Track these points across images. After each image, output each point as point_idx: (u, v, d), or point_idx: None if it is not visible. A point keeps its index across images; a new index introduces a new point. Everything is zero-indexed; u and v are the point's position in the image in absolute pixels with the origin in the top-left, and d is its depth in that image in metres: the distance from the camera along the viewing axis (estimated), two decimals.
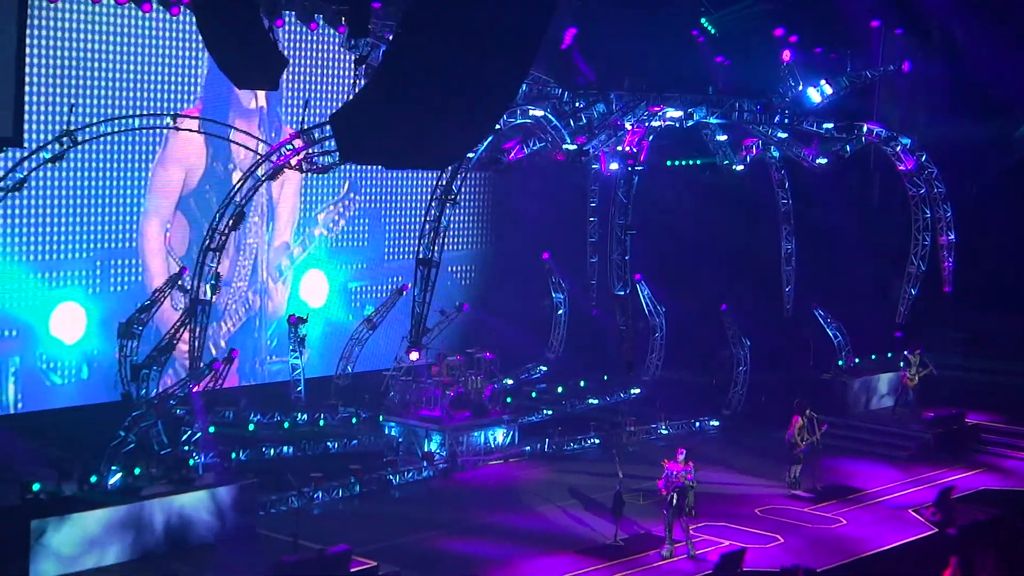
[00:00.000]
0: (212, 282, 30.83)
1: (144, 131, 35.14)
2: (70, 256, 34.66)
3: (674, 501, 28.32)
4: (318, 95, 39.00)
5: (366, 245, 41.68)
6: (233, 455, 31.49)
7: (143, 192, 36.04)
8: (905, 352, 40.93)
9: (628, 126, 36.12)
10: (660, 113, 36.58)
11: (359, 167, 39.49)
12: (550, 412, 38.44)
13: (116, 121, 32.73)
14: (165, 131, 35.74)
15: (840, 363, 41.58)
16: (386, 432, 35.48)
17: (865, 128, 40.94)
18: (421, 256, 33.30)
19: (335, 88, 39.51)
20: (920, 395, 40.92)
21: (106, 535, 25.81)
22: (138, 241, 36.00)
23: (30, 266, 33.81)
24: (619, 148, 36.27)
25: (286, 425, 34.63)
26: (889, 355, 42.17)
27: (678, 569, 27.80)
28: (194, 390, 29.29)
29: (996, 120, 45.24)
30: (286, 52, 29.86)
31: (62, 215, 34.43)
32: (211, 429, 30.55)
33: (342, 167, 34.79)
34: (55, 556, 25.04)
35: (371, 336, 38.10)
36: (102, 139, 33.44)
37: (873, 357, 42.74)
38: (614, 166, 36.57)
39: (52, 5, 33.26)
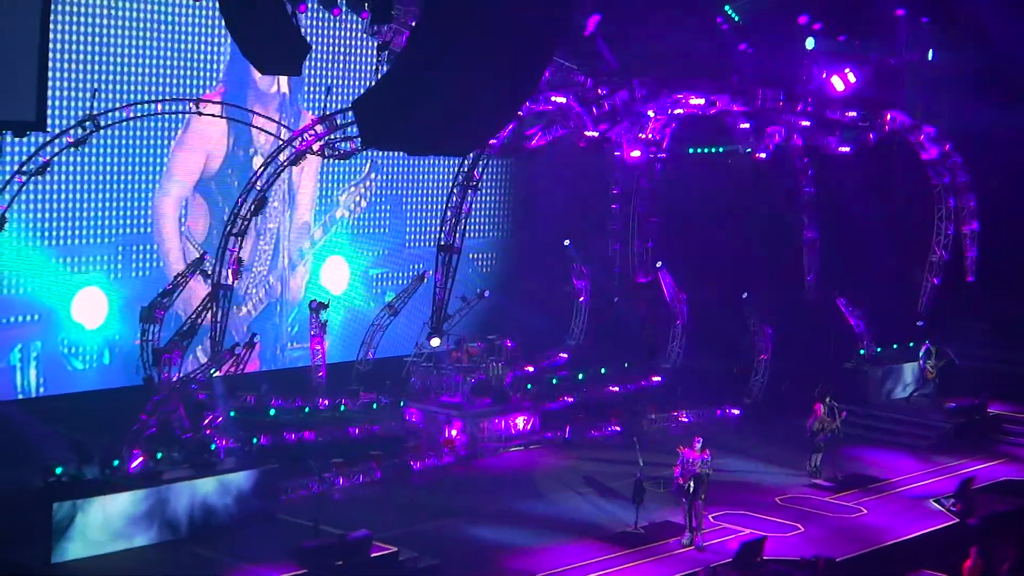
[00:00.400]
0: (234, 267, 30.87)
1: (166, 117, 35.19)
2: (92, 241, 34.72)
3: (690, 489, 28.27)
4: (341, 81, 38.98)
5: (387, 231, 41.69)
6: (254, 440, 31.48)
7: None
8: (926, 344, 40.87)
9: (651, 113, 36.07)
10: (683, 101, 36.50)
11: (382, 152, 39.44)
12: (571, 399, 38.42)
13: (139, 106, 32.71)
14: (187, 116, 35.75)
15: (862, 352, 41.49)
16: (407, 418, 35.50)
17: (889, 117, 40.80)
18: (442, 242, 33.29)
19: (358, 74, 39.48)
20: (942, 385, 40.89)
21: (127, 519, 25.92)
22: (154, 223, 35.96)
23: (52, 251, 33.88)
24: (642, 135, 36.22)
25: (307, 410, 34.71)
26: (911, 344, 42.06)
27: (698, 557, 27.74)
28: (215, 375, 29.33)
29: (1021, 108, 44.99)
30: (309, 38, 29.83)
31: (84, 200, 34.48)
32: (232, 414, 30.63)
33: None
34: (77, 539, 25.16)
35: (392, 322, 38.13)
36: (124, 124, 33.44)
37: (895, 346, 42.64)
38: (636, 153, 36.52)
39: None
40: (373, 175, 41.10)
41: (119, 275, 35.17)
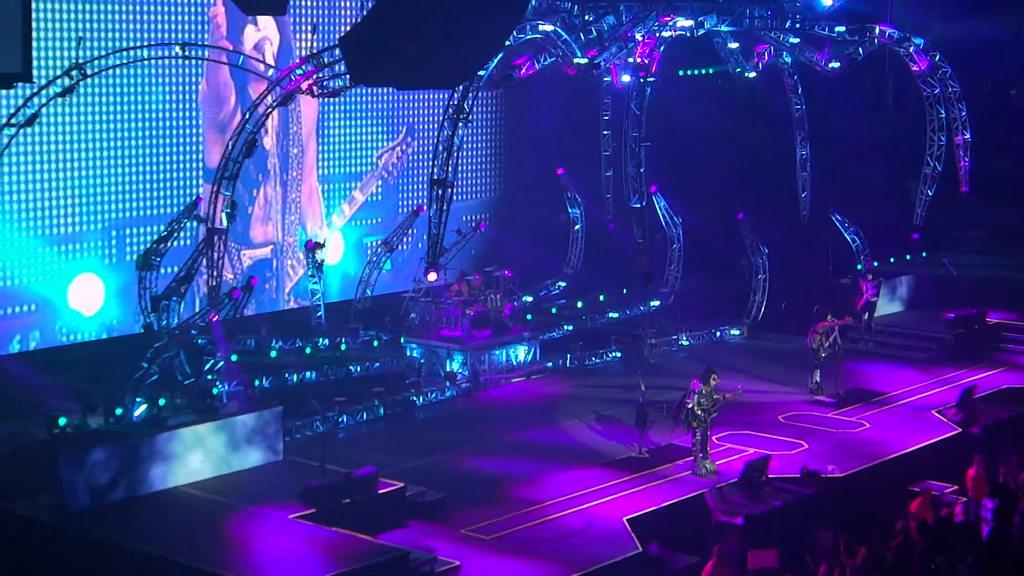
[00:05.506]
0: (227, 210, 30.79)
1: (156, 78, 35.04)
2: (86, 228, 34.40)
3: (688, 421, 28.10)
4: (326, 19, 38.69)
5: (380, 200, 41.43)
6: (256, 382, 31.60)
7: (159, 161, 35.81)
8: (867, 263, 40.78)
9: (639, 37, 35.86)
10: (670, 23, 36.29)
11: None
12: (571, 328, 38.45)
13: (124, 53, 32.37)
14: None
15: (859, 267, 41.49)
16: (408, 354, 35.54)
17: (877, 30, 40.63)
18: (435, 176, 33.17)
19: (344, 11, 39.20)
20: (939, 296, 41.11)
21: (133, 467, 25.94)
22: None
23: (46, 239, 33.56)
24: (630, 60, 36.04)
25: (308, 351, 34.73)
26: (908, 257, 42.04)
27: (703, 481, 27.81)
28: (214, 319, 29.35)
29: (1010, 16, 44.79)
30: None
31: (76, 187, 34.13)
32: (233, 357, 30.65)
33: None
34: (84, 489, 25.18)
35: (389, 259, 38.08)
36: (115, 114, 33.37)
37: (892, 260, 42.66)
38: (626, 78, 36.33)
39: None
40: (409, 139, 40.95)
41: (114, 260, 34.89)
